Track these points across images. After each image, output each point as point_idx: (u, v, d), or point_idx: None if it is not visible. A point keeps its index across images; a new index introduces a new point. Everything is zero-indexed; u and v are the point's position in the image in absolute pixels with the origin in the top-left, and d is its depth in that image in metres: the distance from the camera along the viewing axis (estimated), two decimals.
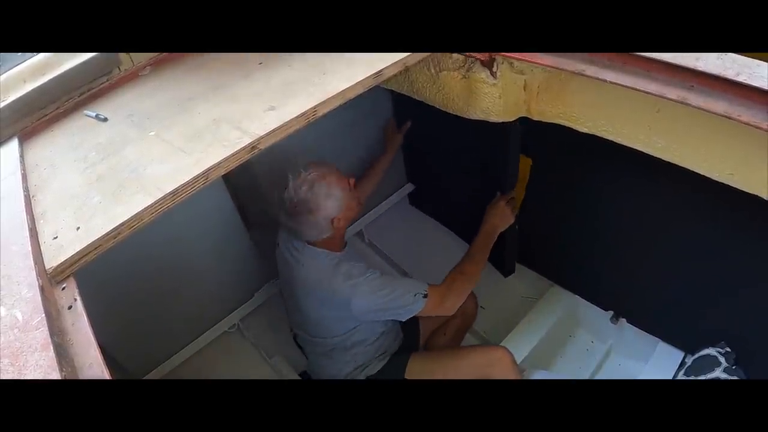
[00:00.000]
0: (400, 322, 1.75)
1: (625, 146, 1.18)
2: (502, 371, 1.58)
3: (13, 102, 1.24)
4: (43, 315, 0.75)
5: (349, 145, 2.08)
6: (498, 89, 1.31)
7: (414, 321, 1.82)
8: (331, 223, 1.41)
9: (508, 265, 2.16)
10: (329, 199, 1.38)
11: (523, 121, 1.40)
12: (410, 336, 1.82)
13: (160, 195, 0.93)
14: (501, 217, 1.68)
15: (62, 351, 0.72)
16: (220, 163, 0.98)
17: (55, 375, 0.67)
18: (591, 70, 1.08)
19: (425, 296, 1.44)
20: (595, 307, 1.95)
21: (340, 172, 1.44)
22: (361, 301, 1.40)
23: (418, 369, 1.64)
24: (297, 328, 1.66)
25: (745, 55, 0.95)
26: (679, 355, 1.72)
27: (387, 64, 1.15)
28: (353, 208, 1.48)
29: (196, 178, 0.96)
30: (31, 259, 0.85)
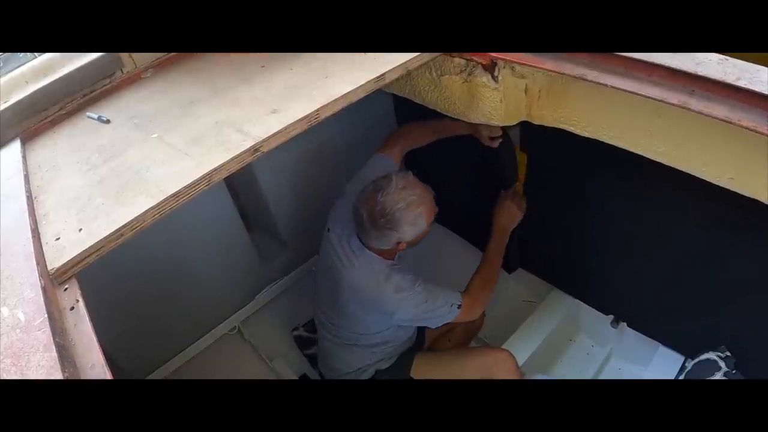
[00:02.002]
0: None
1: (626, 150, 1.18)
2: (505, 373, 1.62)
3: (16, 103, 1.23)
4: (46, 316, 0.76)
5: (350, 147, 2.08)
6: (499, 93, 1.31)
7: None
8: (397, 243, 1.44)
9: (512, 262, 2.15)
10: (413, 228, 1.41)
11: (524, 123, 1.40)
12: (418, 336, 1.83)
13: (162, 197, 0.93)
14: (508, 216, 1.70)
15: (64, 352, 0.72)
16: (222, 165, 0.98)
17: (57, 375, 0.67)
18: (592, 75, 1.08)
19: (459, 306, 1.50)
20: (596, 311, 1.95)
21: (434, 202, 1.46)
22: (405, 313, 1.47)
23: (423, 368, 1.69)
24: (327, 318, 1.66)
25: (745, 57, 0.96)
26: (679, 359, 1.72)
27: (389, 68, 1.15)
28: (420, 239, 1.49)
29: (198, 181, 0.96)
30: (34, 260, 0.85)
